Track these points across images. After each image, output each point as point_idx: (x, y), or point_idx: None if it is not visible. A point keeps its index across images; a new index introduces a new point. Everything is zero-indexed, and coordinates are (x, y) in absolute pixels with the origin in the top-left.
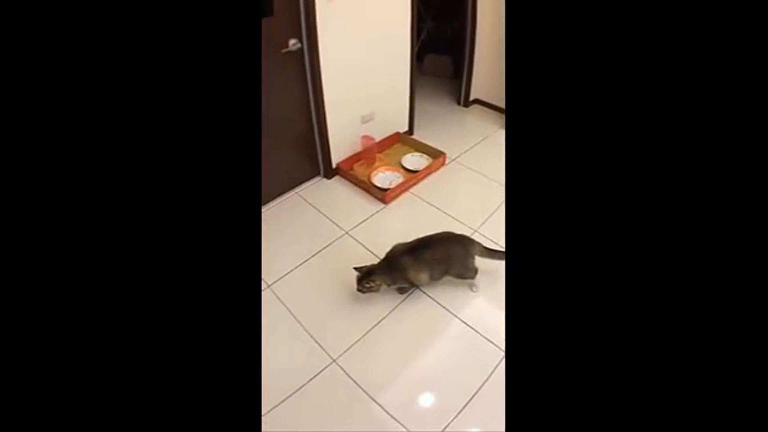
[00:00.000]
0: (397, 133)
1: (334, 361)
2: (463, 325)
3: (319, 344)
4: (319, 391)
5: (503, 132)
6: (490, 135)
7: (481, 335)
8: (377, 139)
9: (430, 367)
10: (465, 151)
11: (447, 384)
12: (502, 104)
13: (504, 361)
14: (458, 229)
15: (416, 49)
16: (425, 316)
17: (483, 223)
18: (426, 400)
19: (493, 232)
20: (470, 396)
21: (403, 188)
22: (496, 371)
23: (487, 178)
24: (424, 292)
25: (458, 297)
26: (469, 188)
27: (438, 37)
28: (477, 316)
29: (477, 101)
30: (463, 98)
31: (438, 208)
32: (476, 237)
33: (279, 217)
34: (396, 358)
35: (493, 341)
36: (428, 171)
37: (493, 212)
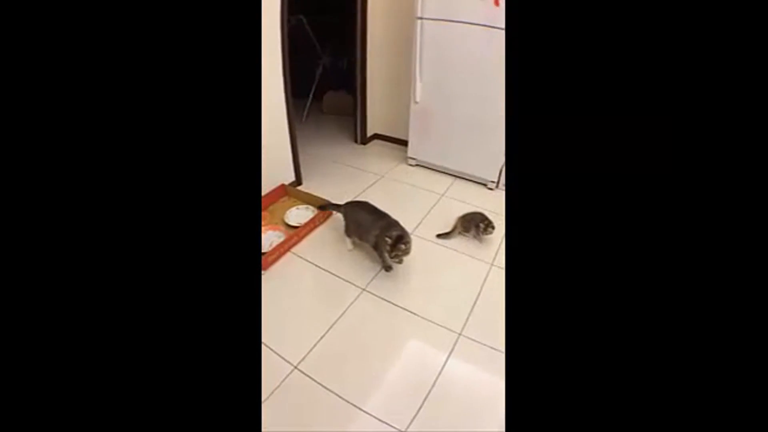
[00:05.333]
0: (283, 186)
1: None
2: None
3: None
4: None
5: (404, 166)
6: (387, 173)
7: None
8: None
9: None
10: (357, 196)
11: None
12: (401, 136)
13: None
14: (346, 293)
15: (314, 87)
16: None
17: (371, 281)
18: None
19: (383, 290)
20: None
21: (282, 249)
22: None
23: None
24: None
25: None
26: None
27: (335, 72)
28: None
29: (376, 136)
30: (360, 136)
31: (320, 267)
32: (363, 296)
33: None
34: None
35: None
36: (312, 225)
37: (379, 271)
